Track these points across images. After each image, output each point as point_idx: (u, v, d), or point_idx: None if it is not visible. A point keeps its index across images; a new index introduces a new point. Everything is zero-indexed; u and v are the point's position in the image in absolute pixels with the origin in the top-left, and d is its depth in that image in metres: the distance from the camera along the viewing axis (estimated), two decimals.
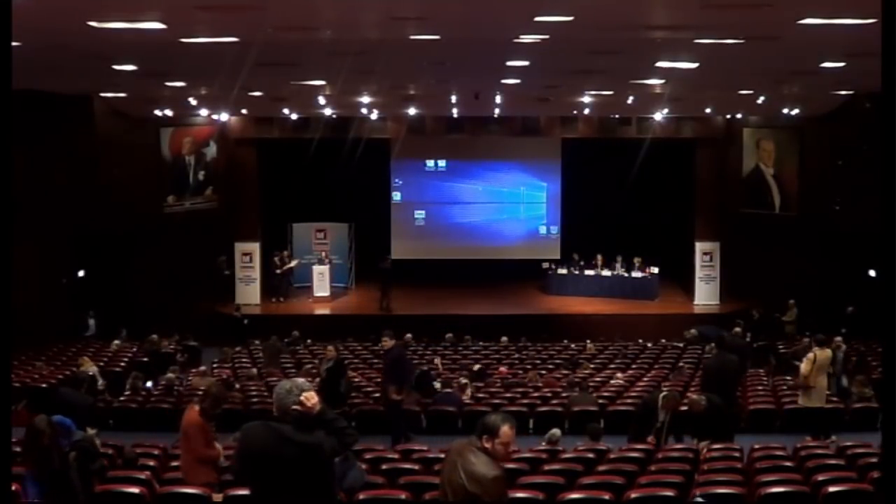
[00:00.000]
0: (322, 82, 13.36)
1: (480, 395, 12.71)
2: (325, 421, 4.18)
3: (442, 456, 5.87)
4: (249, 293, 21.73)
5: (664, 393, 9.60)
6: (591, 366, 15.30)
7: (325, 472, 4.22)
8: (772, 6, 6.28)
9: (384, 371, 11.68)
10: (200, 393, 12.05)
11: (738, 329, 15.78)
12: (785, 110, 18.73)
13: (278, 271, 21.81)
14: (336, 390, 11.43)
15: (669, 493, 6.73)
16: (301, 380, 4.37)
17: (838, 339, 13.35)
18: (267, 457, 4.12)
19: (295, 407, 4.13)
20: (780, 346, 16.52)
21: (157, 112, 18.46)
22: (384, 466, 7.69)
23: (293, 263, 22.16)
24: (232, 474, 6.17)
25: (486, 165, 24.21)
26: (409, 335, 17.55)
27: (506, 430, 4.16)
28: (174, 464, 7.71)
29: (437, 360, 15.41)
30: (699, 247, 21.79)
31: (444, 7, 6.67)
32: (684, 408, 9.66)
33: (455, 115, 20.93)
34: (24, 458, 5.88)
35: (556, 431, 9.27)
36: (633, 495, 6.63)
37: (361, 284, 22.93)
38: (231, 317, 19.96)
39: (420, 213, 24.43)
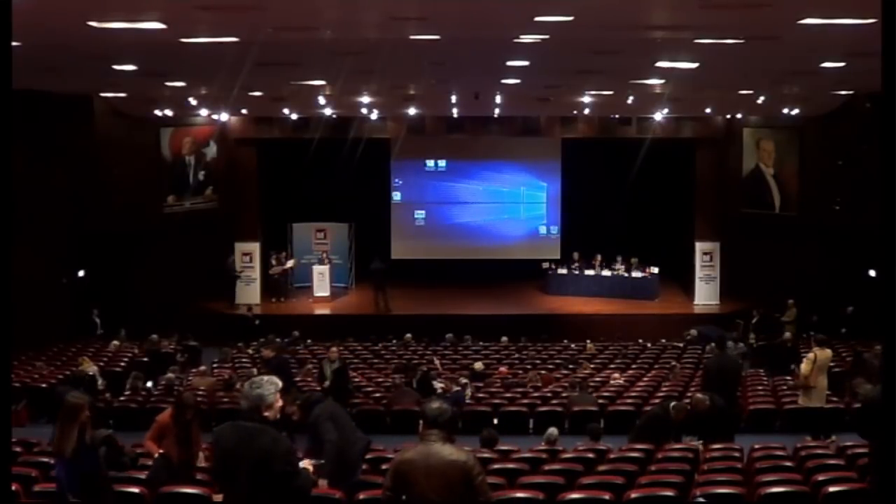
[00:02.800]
0: (322, 82, 13.36)
1: (480, 395, 12.71)
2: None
3: None
4: (249, 293, 21.73)
5: (674, 403, 9.52)
6: (591, 366, 15.30)
7: (278, 477, 4.21)
8: (772, 6, 6.27)
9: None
10: (200, 393, 12.16)
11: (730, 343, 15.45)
12: (785, 110, 18.72)
13: (271, 271, 21.78)
14: (344, 392, 11.46)
15: (669, 493, 6.73)
16: (258, 378, 4.34)
17: (878, 348, 13.07)
18: (232, 456, 4.17)
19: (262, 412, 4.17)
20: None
21: (157, 112, 18.45)
22: (384, 466, 7.68)
23: (290, 263, 22.15)
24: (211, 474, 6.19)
25: (486, 165, 24.22)
26: (408, 335, 17.62)
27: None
28: None
29: (437, 360, 15.42)
30: (699, 247, 21.79)
31: (444, 7, 6.66)
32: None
33: (455, 115, 20.92)
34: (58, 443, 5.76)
35: (553, 430, 9.24)
36: (633, 495, 6.63)
37: (361, 284, 22.91)
38: (243, 317, 19.96)
39: (420, 213, 24.44)
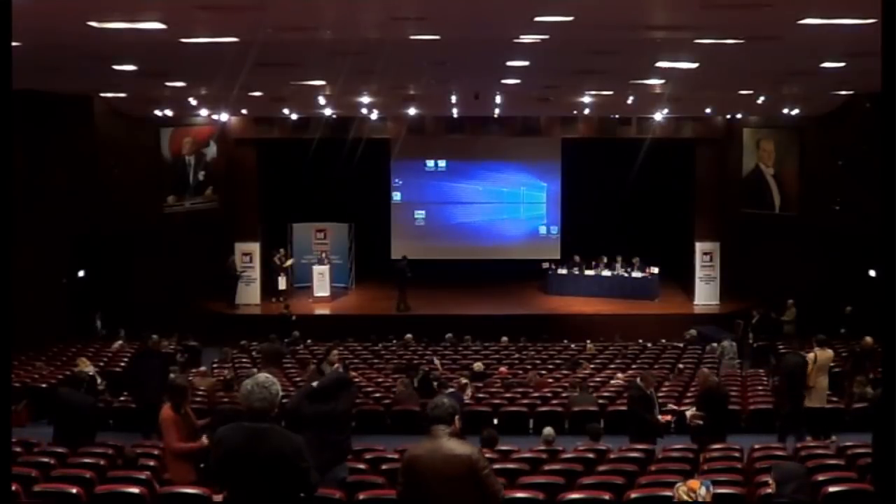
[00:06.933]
0: (322, 82, 13.36)
1: (480, 395, 12.71)
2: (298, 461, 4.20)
3: None
4: (249, 293, 21.73)
5: (639, 375, 9.69)
6: (591, 366, 15.30)
7: (292, 474, 4.21)
8: (772, 6, 6.28)
9: (124, 375, 12.01)
10: (200, 392, 12.16)
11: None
12: (785, 110, 18.72)
13: (280, 274, 21.72)
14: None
15: (669, 493, 6.71)
16: (267, 378, 4.33)
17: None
18: (240, 457, 4.15)
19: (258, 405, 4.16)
20: (780, 346, 16.52)
21: (157, 112, 18.45)
22: (384, 466, 7.68)
23: (289, 263, 22.14)
24: (210, 473, 6.16)
25: (486, 165, 24.23)
26: (409, 335, 17.60)
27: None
28: None
29: (437, 361, 15.41)
30: (699, 247, 21.78)
31: (444, 7, 6.67)
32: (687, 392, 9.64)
33: (455, 115, 20.92)
34: None
35: (549, 430, 9.21)
36: (633, 495, 6.63)
37: (361, 284, 22.93)
38: (281, 314, 19.97)
39: (420, 214, 24.44)
